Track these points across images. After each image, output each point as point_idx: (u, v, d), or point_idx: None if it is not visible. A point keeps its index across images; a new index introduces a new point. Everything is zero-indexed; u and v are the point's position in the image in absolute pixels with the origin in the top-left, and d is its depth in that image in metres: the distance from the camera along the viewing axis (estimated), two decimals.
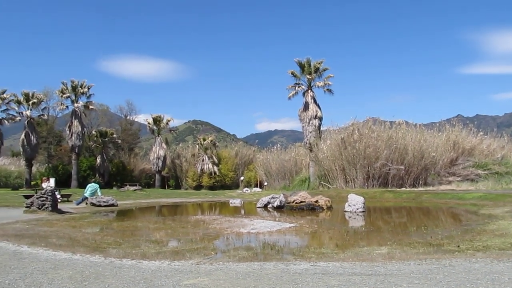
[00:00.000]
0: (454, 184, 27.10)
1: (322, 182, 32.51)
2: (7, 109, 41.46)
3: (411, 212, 17.50)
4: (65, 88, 43.14)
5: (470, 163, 29.99)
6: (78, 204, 21.00)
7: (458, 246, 7.67)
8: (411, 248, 7.78)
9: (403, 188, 27.95)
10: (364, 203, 16.80)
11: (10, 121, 41.23)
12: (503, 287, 4.74)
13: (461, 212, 15.97)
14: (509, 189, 21.66)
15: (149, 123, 49.54)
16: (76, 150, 42.66)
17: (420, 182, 30.05)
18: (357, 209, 16.51)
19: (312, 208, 17.89)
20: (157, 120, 49.48)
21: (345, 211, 16.69)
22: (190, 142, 62.57)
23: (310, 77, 36.02)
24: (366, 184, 29.72)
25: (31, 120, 41.59)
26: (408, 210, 18.45)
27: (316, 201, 18.30)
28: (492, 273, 5.49)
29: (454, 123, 34.86)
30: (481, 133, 34.39)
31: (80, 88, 43.50)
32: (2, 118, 40.89)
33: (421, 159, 30.03)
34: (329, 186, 31.50)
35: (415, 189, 26.67)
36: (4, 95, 40.56)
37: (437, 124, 35.61)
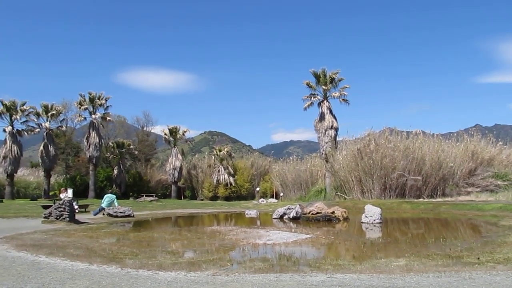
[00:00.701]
0: (473, 195, 26.67)
1: (338, 193, 32.30)
2: (26, 121, 42.30)
3: (429, 224, 17.26)
4: (83, 100, 43.85)
5: (489, 173, 29.53)
6: (95, 214, 21.17)
7: (478, 258, 7.53)
8: (430, 260, 7.66)
9: (421, 199, 27.61)
10: (381, 214, 16.64)
11: (29, 132, 42.01)
12: None
13: (481, 224, 15.70)
14: None
15: (165, 134, 49.90)
16: (94, 161, 43.17)
17: (438, 193, 29.65)
18: (374, 220, 16.35)
19: (329, 219, 17.77)
20: (173, 131, 49.82)
21: (362, 222, 16.54)
22: (206, 153, 62.73)
23: (326, 88, 36.00)
24: (383, 195, 29.43)
25: (50, 131, 42.28)
26: (426, 221, 18.20)
27: (333, 212, 18.17)
28: None
29: (472, 133, 34.45)
30: (500, 142, 33.92)
31: (97, 100, 44.17)
32: (22, 129, 41.70)
33: (439, 170, 29.66)
34: (346, 197, 31.27)
35: (433, 200, 26.32)
36: (24, 107, 41.32)
37: (455, 134, 35.25)
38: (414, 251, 8.86)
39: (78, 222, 16.82)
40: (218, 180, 48.53)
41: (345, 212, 18.38)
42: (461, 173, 30.16)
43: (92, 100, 44.06)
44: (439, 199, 26.91)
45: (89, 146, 43.09)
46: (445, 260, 7.60)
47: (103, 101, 44.55)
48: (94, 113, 44.02)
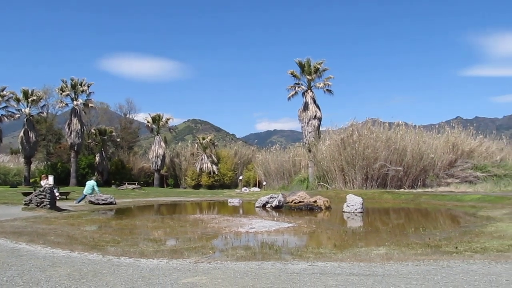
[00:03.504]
0: (453, 186, 27.12)
1: (321, 183, 32.52)
2: (6, 107, 41.44)
3: (409, 213, 17.51)
4: (64, 86, 43.15)
5: (469, 165, 30.00)
6: (78, 202, 20.97)
7: (456, 248, 7.68)
8: (409, 249, 7.78)
9: (402, 189, 27.98)
10: (362, 204, 16.81)
11: (9, 118, 41.17)
12: None
13: (460, 214, 15.98)
14: (508, 191, 21.68)
15: (148, 122, 49.52)
16: (75, 148, 42.65)
17: (419, 183, 30.07)
18: (356, 209, 16.52)
19: (311, 208, 17.90)
20: (156, 119, 49.48)
21: (344, 212, 16.70)
22: (189, 141, 62.47)
23: (310, 78, 36.05)
24: (365, 185, 29.74)
25: (30, 117, 41.59)
26: (407, 211, 18.46)
27: (315, 201, 18.31)
28: (490, 274, 5.50)
29: (453, 125, 34.90)
30: (480, 135, 34.43)
31: (80, 86, 43.48)
32: (2, 115, 40.87)
33: (420, 161, 30.05)
34: (328, 186, 31.51)
35: (414, 191, 26.69)
36: (4, 92, 40.49)
37: (437, 126, 35.70)
38: (394, 240, 8.99)
39: (59, 210, 16.65)
40: (201, 169, 48.45)
41: (327, 201, 18.53)
42: (441, 164, 30.60)
43: (74, 86, 43.36)
44: (419, 190, 27.29)
45: (71, 133, 42.50)
46: (424, 249, 7.73)
47: (86, 88, 43.87)
48: (76, 100, 43.36)
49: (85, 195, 21.50)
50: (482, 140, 33.78)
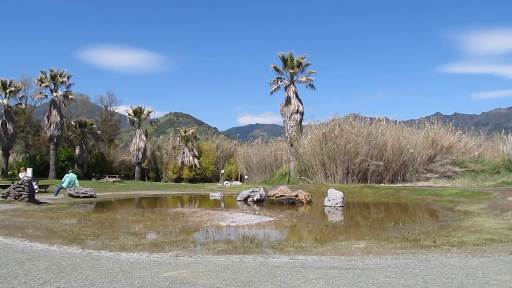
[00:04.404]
0: (432, 181, 27.50)
1: (302, 177, 32.68)
2: None
3: (389, 208, 17.73)
4: (44, 77, 42.35)
5: (447, 160, 30.48)
6: (55, 195, 20.71)
7: (434, 242, 7.81)
8: (389, 243, 7.89)
9: (382, 184, 28.28)
10: (343, 198, 16.96)
11: None
12: (477, 282, 4.85)
13: (438, 208, 16.23)
14: (485, 187, 22.07)
15: (129, 115, 49.01)
16: (55, 140, 41.99)
17: (399, 178, 30.43)
18: (337, 204, 16.66)
19: (292, 202, 17.99)
20: (137, 112, 49.02)
21: (325, 206, 16.82)
22: (171, 135, 62.14)
23: (293, 72, 36.11)
24: (346, 180, 29.98)
25: (8, 108, 40.80)
26: (386, 205, 18.68)
27: (296, 196, 18.39)
28: (466, 268, 5.61)
29: (433, 120, 35.38)
30: (459, 131, 34.97)
31: (59, 77, 42.74)
32: None
33: (400, 156, 30.40)
34: (309, 180, 31.68)
35: (394, 185, 27.00)
36: None
37: (417, 122, 36.17)
38: (374, 234, 9.10)
39: (38, 203, 16.42)
40: (182, 162, 48.23)
41: (308, 195, 18.64)
42: (421, 159, 31.02)
43: (53, 77, 42.60)
44: (399, 185, 27.63)
45: (50, 125, 41.82)
46: (403, 243, 7.84)
47: (65, 79, 43.12)
48: (56, 91, 42.63)
49: (62, 188, 21.25)
50: (460, 136, 34.34)
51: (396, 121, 34.56)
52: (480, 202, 16.18)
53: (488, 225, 9.91)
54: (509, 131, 35.35)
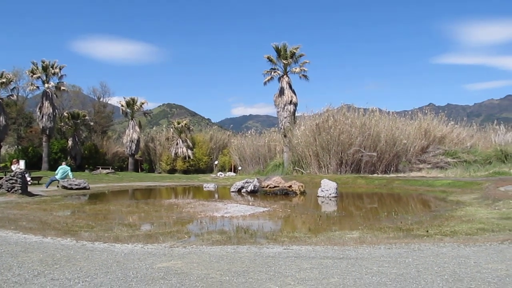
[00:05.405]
0: (424, 171, 27.66)
1: (296, 168, 32.73)
2: None
3: (382, 198, 17.82)
4: (35, 68, 41.97)
5: (440, 151, 30.63)
6: (47, 186, 20.62)
7: (427, 231, 7.87)
8: (382, 232, 7.95)
9: (375, 175, 28.39)
10: (337, 189, 17.03)
11: None
12: (469, 271, 4.90)
13: (431, 199, 16.35)
14: (477, 177, 22.24)
15: (122, 106, 48.78)
16: (47, 132, 41.74)
17: (392, 168, 30.56)
18: (330, 194, 16.72)
19: (286, 193, 18.04)
20: (130, 103, 48.79)
21: (318, 196, 16.88)
22: (164, 126, 61.96)
23: (286, 62, 36.01)
24: (339, 170, 30.06)
25: (0, 100, 40.44)
26: (380, 196, 18.78)
27: (290, 186, 18.44)
28: (458, 257, 5.66)
29: (426, 111, 35.46)
30: (452, 122, 35.09)
31: (51, 69, 42.38)
32: None
33: (393, 146, 30.50)
34: (303, 171, 31.74)
35: (387, 176, 27.12)
36: None
37: (410, 112, 36.20)
38: (367, 224, 9.16)
39: (31, 195, 16.36)
40: (176, 153, 48.15)
41: (302, 186, 18.69)
42: (414, 150, 31.14)
43: (45, 68, 42.22)
44: (392, 175, 27.75)
45: (42, 117, 41.53)
46: (396, 232, 7.90)
47: (57, 70, 42.77)
48: (48, 82, 42.27)
49: (55, 179, 21.16)
50: (453, 126, 34.47)
51: (389, 112, 34.61)
52: (472, 192, 16.30)
53: (480, 215, 10.00)
54: (501, 122, 35.52)
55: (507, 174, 22.33)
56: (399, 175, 27.64)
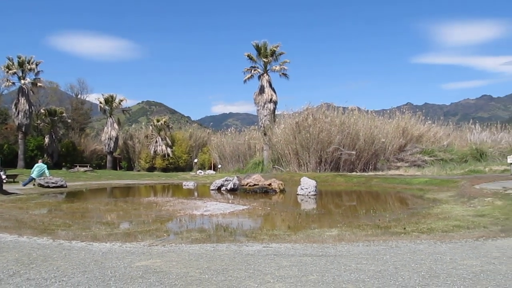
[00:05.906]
0: (402, 170, 28.01)
1: (276, 166, 32.83)
2: None
3: (361, 196, 17.99)
4: (11, 63, 41.08)
5: (417, 149, 31.09)
6: (25, 185, 20.28)
7: (404, 229, 7.98)
8: (360, 230, 8.03)
9: (354, 173, 28.64)
10: (316, 187, 17.13)
11: None
12: (445, 267, 4.98)
13: (408, 196, 16.58)
14: (453, 175, 22.62)
15: (101, 103, 48.16)
16: (23, 129, 40.95)
17: (370, 167, 30.88)
18: (309, 192, 16.82)
19: (266, 191, 18.07)
20: (109, 100, 48.20)
21: (298, 194, 16.96)
22: (143, 123, 61.54)
23: (267, 61, 36.06)
24: (319, 168, 30.24)
25: None
26: (358, 194, 18.95)
27: (270, 184, 18.48)
28: (435, 253, 5.76)
29: (404, 110, 35.98)
30: (429, 121, 35.69)
31: (27, 64, 41.55)
32: None
33: (372, 145, 30.82)
34: (282, 169, 31.85)
35: (365, 174, 27.38)
36: None
37: (388, 111, 36.65)
38: (346, 222, 9.24)
39: (6, 193, 16.05)
40: (155, 151, 47.82)
41: (281, 184, 18.75)
42: (392, 148, 31.53)
43: (21, 64, 41.37)
44: (371, 173, 28.04)
45: (18, 113, 40.71)
46: (374, 230, 7.99)
47: (34, 66, 41.95)
48: (24, 78, 41.43)
49: (33, 178, 20.82)
50: (430, 125, 35.06)
51: (368, 110, 34.99)
52: (449, 190, 16.57)
53: (456, 212, 10.18)
54: (477, 121, 36.29)
55: (482, 172, 22.79)
56: (378, 173, 27.94)
